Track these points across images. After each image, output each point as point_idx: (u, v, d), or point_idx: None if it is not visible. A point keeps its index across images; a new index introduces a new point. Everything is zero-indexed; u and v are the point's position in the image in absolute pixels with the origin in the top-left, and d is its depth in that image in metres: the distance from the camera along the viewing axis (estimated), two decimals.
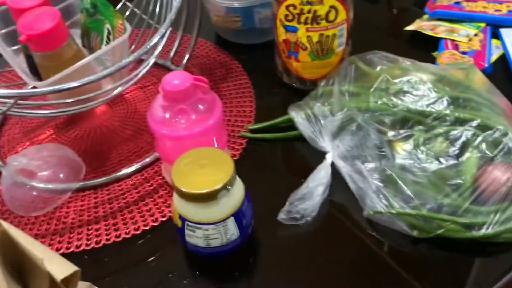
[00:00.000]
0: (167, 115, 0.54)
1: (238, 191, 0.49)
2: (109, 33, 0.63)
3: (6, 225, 0.34)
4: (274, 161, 0.64)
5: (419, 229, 0.51)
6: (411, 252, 0.52)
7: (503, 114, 0.57)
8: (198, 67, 0.78)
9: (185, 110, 0.53)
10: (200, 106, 0.54)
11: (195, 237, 0.49)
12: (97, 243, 0.55)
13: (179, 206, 0.48)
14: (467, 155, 0.53)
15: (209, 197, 0.46)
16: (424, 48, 0.76)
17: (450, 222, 0.50)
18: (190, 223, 0.48)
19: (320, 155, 0.60)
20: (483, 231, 0.50)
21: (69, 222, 0.58)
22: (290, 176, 0.62)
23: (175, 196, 0.49)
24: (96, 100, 0.62)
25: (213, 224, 0.48)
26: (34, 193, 0.60)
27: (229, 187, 0.47)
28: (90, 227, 0.57)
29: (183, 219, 0.48)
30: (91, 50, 0.66)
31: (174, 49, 0.78)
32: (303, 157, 0.63)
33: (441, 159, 0.54)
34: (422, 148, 0.55)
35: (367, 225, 0.54)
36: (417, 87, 0.59)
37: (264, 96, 0.73)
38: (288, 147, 0.65)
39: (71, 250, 0.55)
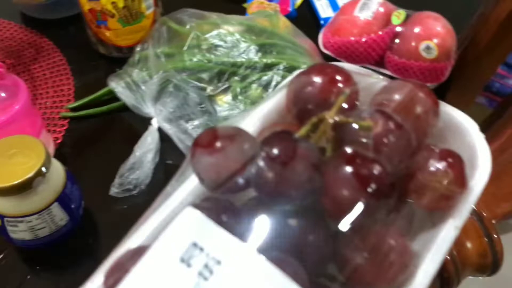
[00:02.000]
0: None
1: (57, 174, 0.47)
2: None
3: None
4: (101, 136, 0.62)
5: None
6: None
7: (306, 53, 0.61)
8: (3, 51, 0.72)
9: None
10: (1, 94, 0.50)
11: (20, 232, 0.46)
12: None
13: None
14: None
15: (23, 187, 0.43)
16: (235, 1, 0.78)
17: None
18: (9, 218, 0.45)
19: (147, 122, 0.60)
20: None
21: None
22: (120, 148, 0.60)
23: None
24: None
25: (36, 214, 0.45)
26: None
27: (45, 172, 0.44)
28: None
29: (1, 216, 0.45)
30: None
31: None
32: (131, 126, 0.62)
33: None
34: (240, 97, 0.58)
35: None
36: (227, 40, 0.60)
37: (82, 71, 0.69)
38: (114, 120, 0.63)
39: None
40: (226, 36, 0.61)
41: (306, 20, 0.74)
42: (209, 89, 0.59)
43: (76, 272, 0.50)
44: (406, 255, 0.18)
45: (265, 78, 0.58)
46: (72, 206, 0.48)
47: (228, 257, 0.16)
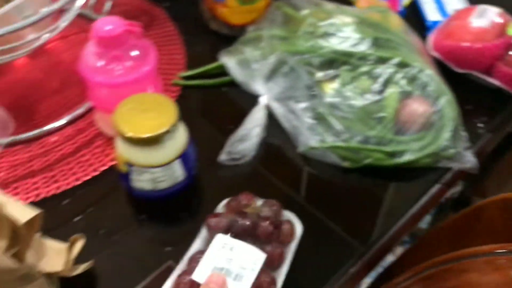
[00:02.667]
0: (101, 63, 0.53)
1: (182, 133, 0.50)
2: None
3: None
4: (210, 106, 0.66)
5: (349, 160, 0.56)
6: (343, 181, 0.57)
7: (417, 52, 0.62)
8: (121, 15, 0.75)
9: (120, 56, 0.53)
10: (134, 52, 0.54)
11: (142, 181, 0.50)
12: (36, 196, 0.54)
13: (125, 151, 0.49)
14: (389, 90, 0.58)
15: (155, 141, 0.47)
16: None
17: (376, 151, 0.55)
18: (137, 168, 0.49)
19: (252, 99, 0.62)
20: (405, 157, 0.55)
21: (2, 178, 0.56)
22: (225, 120, 0.63)
23: (119, 142, 0.49)
24: (19, 50, 0.59)
25: (160, 167, 0.49)
26: None
27: (174, 130, 0.48)
28: (26, 181, 0.55)
29: (129, 164, 0.49)
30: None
31: None
32: (236, 101, 0.65)
33: (366, 96, 0.58)
34: (348, 86, 0.59)
35: (302, 160, 0.58)
36: (342, 29, 0.62)
37: (191, 43, 0.73)
38: (221, 92, 0.66)
39: None
40: (340, 26, 0.62)
41: (412, 21, 0.75)
42: (319, 74, 0.61)
43: (175, 228, 0.54)
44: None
45: (376, 71, 0.59)
46: (190, 165, 0.51)
47: (236, 244, 0.42)
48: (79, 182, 0.55)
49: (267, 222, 0.44)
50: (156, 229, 0.54)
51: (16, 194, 0.54)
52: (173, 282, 0.43)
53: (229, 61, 0.65)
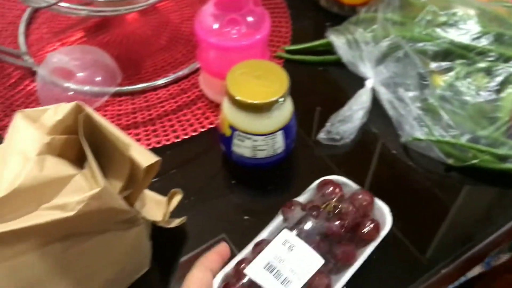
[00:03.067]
0: (217, 25, 0.53)
1: (288, 105, 0.50)
2: None
3: (89, 110, 0.34)
4: (310, 83, 0.64)
5: (454, 157, 0.53)
6: (441, 179, 0.54)
7: None
8: None
9: (237, 20, 0.53)
10: (250, 19, 0.54)
11: (243, 147, 0.50)
12: None
13: (231, 115, 0.49)
14: (507, 91, 0.54)
15: (264, 108, 0.47)
16: None
17: (486, 153, 0.52)
18: (240, 133, 0.49)
19: (356, 80, 0.61)
20: None
21: None
22: (324, 99, 0.62)
23: (226, 105, 0.49)
24: (134, 4, 0.61)
25: (263, 136, 0.48)
26: (70, 93, 0.59)
27: (283, 100, 0.47)
28: (129, 132, 0.57)
29: (233, 128, 0.49)
30: None
31: None
32: (338, 81, 0.64)
33: (481, 93, 0.55)
34: (462, 81, 0.56)
35: (402, 150, 0.56)
36: (463, 21, 0.59)
37: (298, 18, 0.72)
38: (324, 71, 0.65)
39: None
40: (463, 17, 0.59)
41: None
42: (433, 65, 0.58)
43: (262, 200, 0.53)
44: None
45: (496, 68, 0.55)
46: (290, 138, 0.51)
47: (297, 244, 0.41)
48: (178, 140, 0.56)
49: (339, 224, 0.42)
50: (243, 197, 0.54)
51: None
52: (232, 267, 0.41)
53: (337, 40, 0.64)
